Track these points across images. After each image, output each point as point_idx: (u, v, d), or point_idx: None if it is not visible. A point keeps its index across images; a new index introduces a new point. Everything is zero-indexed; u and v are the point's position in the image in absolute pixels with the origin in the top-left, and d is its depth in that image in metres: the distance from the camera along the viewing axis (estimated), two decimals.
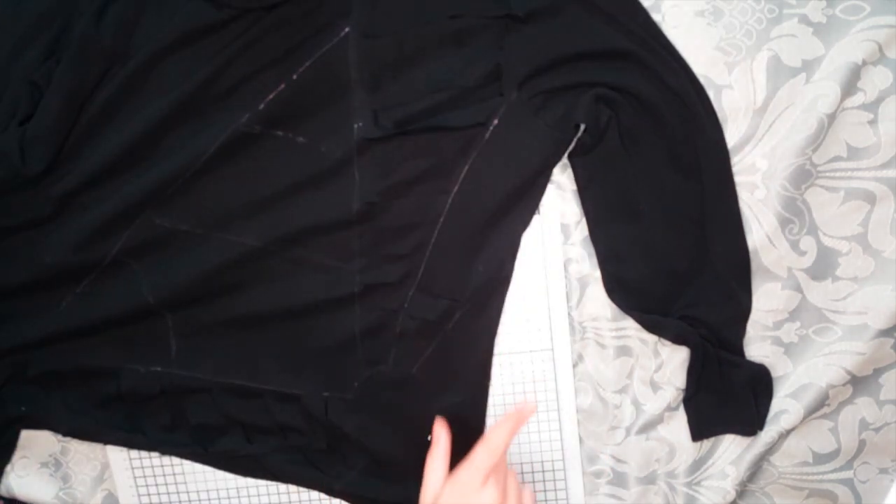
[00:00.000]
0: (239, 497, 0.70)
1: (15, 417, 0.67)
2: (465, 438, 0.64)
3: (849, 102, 0.61)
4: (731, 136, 0.62)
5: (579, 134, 0.62)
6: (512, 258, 0.65)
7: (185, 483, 0.69)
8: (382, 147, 0.62)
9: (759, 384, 0.65)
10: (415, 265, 0.64)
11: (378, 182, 0.62)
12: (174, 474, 0.69)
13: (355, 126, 0.61)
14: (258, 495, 0.69)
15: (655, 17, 0.61)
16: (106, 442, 0.67)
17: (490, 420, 0.68)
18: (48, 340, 0.64)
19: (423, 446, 0.62)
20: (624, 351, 0.66)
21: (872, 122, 0.62)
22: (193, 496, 0.70)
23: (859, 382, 0.65)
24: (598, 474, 0.69)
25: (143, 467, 0.69)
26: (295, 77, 0.61)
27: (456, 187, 0.63)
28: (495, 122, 0.62)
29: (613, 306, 0.65)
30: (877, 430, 0.66)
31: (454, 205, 0.63)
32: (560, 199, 0.65)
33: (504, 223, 0.64)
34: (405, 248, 0.64)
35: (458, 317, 0.64)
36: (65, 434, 0.68)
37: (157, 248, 0.63)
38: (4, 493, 0.70)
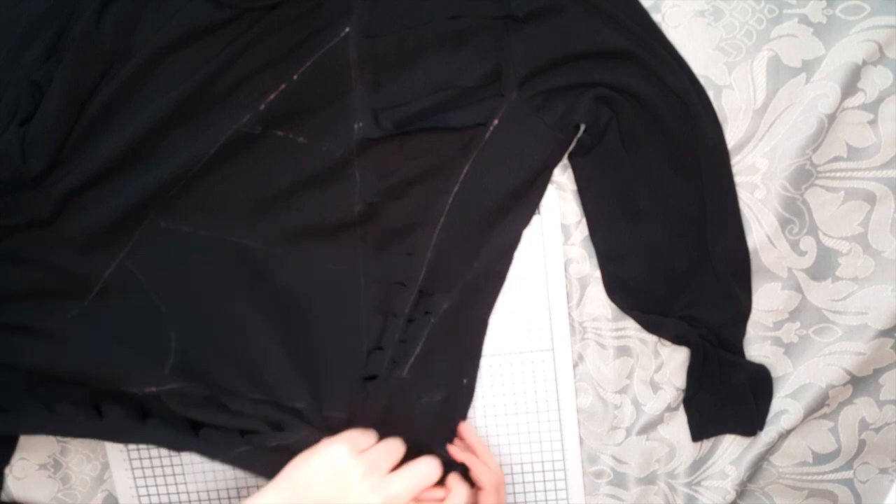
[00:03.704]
0: (239, 497, 0.69)
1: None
2: (445, 438, 0.64)
3: (849, 102, 0.61)
4: (732, 137, 0.62)
5: (579, 134, 0.62)
6: (509, 254, 0.64)
7: (185, 484, 0.69)
8: (383, 147, 0.62)
9: (759, 384, 0.65)
10: (416, 266, 0.64)
11: (379, 182, 0.62)
12: (174, 475, 0.69)
13: (356, 126, 0.61)
14: None
15: (655, 17, 0.61)
16: (125, 440, 0.64)
17: (491, 420, 0.68)
18: (53, 363, 0.63)
19: (410, 447, 0.61)
20: (624, 351, 0.66)
21: (872, 123, 0.62)
22: (193, 497, 0.70)
23: (859, 383, 0.66)
24: (598, 474, 0.69)
25: (142, 468, 0.69)
26: (295, 77, 0.61)
27: (456, 188, 0.63)
28: (495, 122, 0.61)
29: (614, 306, 0.65)
30: (877, 430, 0.66)
31: (454, 205, 0.63)
32: (560, 200, 0.65)
33: (504, 223, 0.64)
34: (407, 249, 0.63)
35: (446, 308, 0.63)
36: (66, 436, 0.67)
37: (162, 250, 0.63)
38: (5, 498, 0.70)
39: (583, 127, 0.62)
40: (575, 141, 0.63)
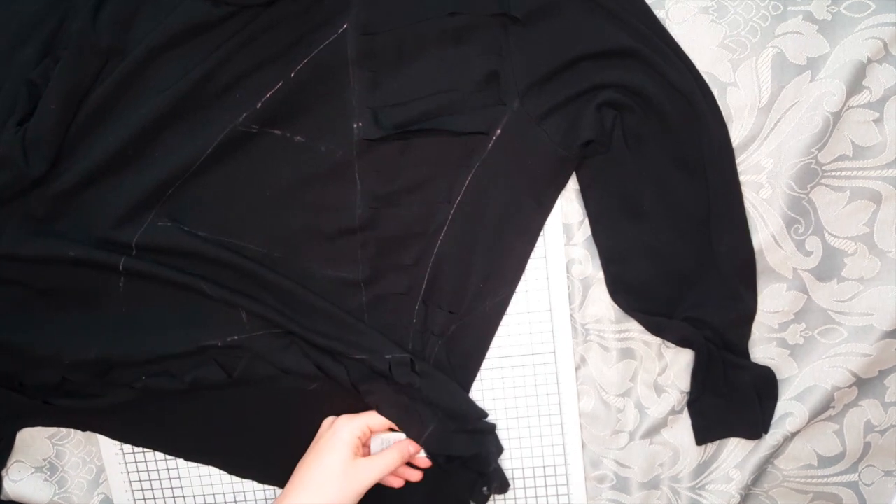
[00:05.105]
0: (236, 501, 0.69)
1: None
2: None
3: (854, 101, 0.61)
4: (737, 135, 0.62)
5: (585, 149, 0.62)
6: (513, 283, 0.64)
7: (181, 487, 0.69)
8: (383, 151, 0.61)
9: (764, 387, 0.65)
10: (418, 277, 0.63)
11: (380, 187, 0.62)
12: (170, 479, 0.69)
13: (355, 126, 0.60)
14: (255, 500, 0.69)
15: (659, 13, 0.61)
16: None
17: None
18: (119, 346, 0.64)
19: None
20: (627, 353, 0.66)
21: (878, 121, 0.61)
22: (189, 500, 0.69)
23: (864, 384, 0.65)
24: (600, 479, 0.68)
25: (138, 472, 0.69)
26: (293, 75, 0.60)
27: (459, 197, 0.62)
28: (498, 132, 0.61)
29: (617, 308, 0.65)
30: (882, 432, 0.66)
31: (457, 216, 0.62)
32: (562, 199, 0.64)
33: (509, 241, 0.63)
34: (409, 259, 0.63)
35: (453, 330, 0.64)
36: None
37: (165, 252, 0.62)
38: (3, 499, 0.70)
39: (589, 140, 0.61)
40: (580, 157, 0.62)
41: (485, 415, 0.65)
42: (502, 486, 0.65)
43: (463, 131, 0.60)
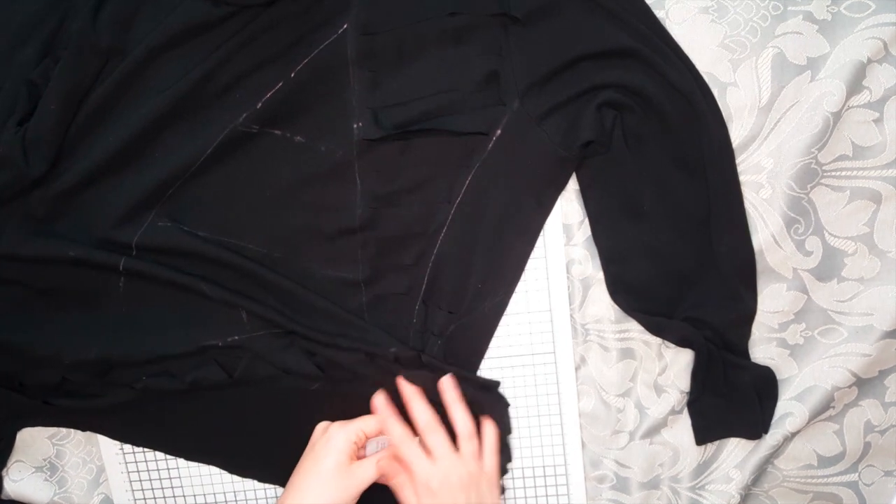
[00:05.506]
0: (237, 501, 0.69)
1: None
2: None
3: (854, 101, 0.61)
4: (737, 135, 0.61)
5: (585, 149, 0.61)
6: (512, 283, 0.64)
7: (181, 487, 0.69)
8: (383, 151, 0.61)
9: (764, 387, 0.64)
10: (418, 277, 0.63)
11: (380, 187, 0.61)
12: (170, 478, 0.69)
13: (355, 126, 0.60)
14: (255, 500, 0.69)
15: (659, 13, 0.61)
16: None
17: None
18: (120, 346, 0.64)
19: None
20: (627, 353, 0.66)
21: (878, 121, 0.61)
22: (190, 500, 0.69)
23: (864, 384, 0.65)
24: (600, 479, 0.68)
25: (138, 471, 0.69)
26: (293, 75, 0.60)
27: (459, 198, 0.62)
28: (498, 132, 0.61)
29: (617, 308, 0.64)
30: (882, 432, 0.66)
31: (457, 216, 0.62)
32: (562, 199, 0.64)
33: (508, 241, 0.63)
34: (409, 259, 0.63)
35: (452, 330, 0.64)
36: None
37: (165, 252, 0.62)
38: (3, 498, 0.70)
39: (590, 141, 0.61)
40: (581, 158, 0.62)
41: (497, 384, 0.64)
42: (505, 459, 0.64)
43: (463, 131, 0.60)
